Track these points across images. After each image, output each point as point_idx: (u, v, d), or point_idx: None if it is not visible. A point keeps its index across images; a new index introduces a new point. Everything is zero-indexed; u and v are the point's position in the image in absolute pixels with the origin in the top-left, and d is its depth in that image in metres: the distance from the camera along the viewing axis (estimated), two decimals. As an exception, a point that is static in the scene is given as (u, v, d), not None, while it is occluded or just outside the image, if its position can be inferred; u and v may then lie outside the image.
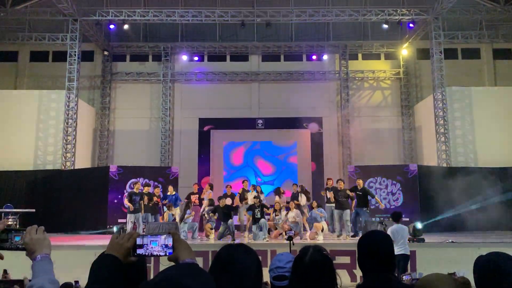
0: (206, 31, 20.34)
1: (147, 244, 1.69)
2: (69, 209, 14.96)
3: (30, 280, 1.77)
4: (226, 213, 11.86)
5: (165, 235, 1.70)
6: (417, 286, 1.72)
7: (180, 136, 20.05)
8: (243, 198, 12.97)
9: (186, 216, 12.10)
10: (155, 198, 12.59)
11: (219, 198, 12.29)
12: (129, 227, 11.96)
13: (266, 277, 2.45)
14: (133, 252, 1.69)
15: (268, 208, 12.23)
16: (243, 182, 13.72)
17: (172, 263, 1.59)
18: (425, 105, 18.90)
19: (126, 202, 12.14)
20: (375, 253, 2.12)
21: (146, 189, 12.44)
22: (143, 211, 12.06)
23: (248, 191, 13.24)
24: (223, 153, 19.15)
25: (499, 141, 16.87)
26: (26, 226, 1.85)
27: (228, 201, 12.59)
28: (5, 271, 5.90)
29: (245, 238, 11.99)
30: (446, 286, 1.65)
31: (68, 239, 11.80)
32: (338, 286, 1.98)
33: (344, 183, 12.65)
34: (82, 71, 18.30)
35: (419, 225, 10.63)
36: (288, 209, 12.24)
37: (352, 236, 11.62)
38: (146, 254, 1.70)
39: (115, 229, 12.26)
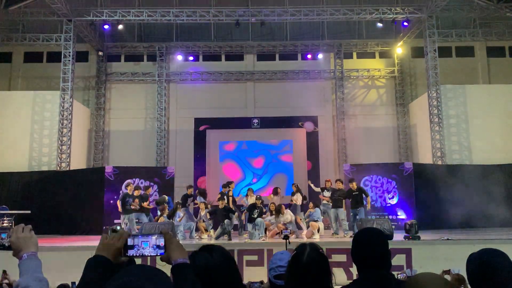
0: (200, 31, 20.32)
1: (138, 245, 1.67)
2: (65, 210, 14.90)
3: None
4: (224, 214, 11.89)
5: (156, 235, 1.68)
6: (408, 285, 1.74)
7: (175, 136, 20.02)
8: (234, 201, 12.98)
9: (178, 219, 12.13)
10: (145, 204, 12.59)
11: (218, 199, 12.36)
12: (124, 227, 11.98)
13: (263, 276, 2.46)
14: (124, 253, 1.66)
15: (264, 214, 12.23)
16: (230, 184, 13.61)
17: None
18: (420, 103, 18.98)
19: (118, 203, 12.22)
20: (369, 250, 2.13)
21: (136, 193, 12.50)
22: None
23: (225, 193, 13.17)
24: (219, 149, 19.13)
25: (494, 138, 16.96)
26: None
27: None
28: (4, 272, 5.87)
29: (245, 238, 11.96)
30: (436, 286, 1.66)
31: (64, 240, 11.77)
32: (333, 284, 2.00)
33: (342, 183, 12.72)
34: (76, 71, 18.22)
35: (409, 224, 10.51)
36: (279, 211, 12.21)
37: (351, 236, 11.66)
38: (137, 254, 1.67)
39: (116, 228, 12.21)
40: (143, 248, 1.67)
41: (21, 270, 1.70)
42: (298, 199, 13.09)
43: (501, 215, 14.49)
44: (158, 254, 1.67)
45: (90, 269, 1.61)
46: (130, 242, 1.67)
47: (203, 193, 13.59)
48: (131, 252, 1.67)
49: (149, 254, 1.67)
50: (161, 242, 1.67)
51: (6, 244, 1.80)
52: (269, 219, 12.12)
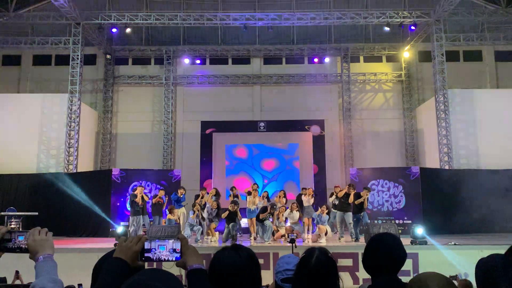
0: (208, 35, 20.40)
1: (155, 248, 1.68)
2: (72, 212, 14.97)
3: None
4: (232, 217, 11.88)
5: (173, 240, 1.69)
6: (410, 284, 1.74)
7: (182, 139, 20.08)
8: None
9: (191, 216, 12.14)
10: (154, 200, 12.68)
11: (232, 202, 12.29)
12: (131, 229, 12.03)
13: (268, 279, 2.46)
14: (141, 256, 1.67)
15: (272, 215, 12.23)
16: (253, 185, 13.67)
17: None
18: (427, 107, 18.89)
19: (138, 200, 12.21)
20: (388, 256, 2.10)
21: (140, 191, 12.49)
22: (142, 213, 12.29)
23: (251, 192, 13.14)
24: (225, 151, 19.06)
25: (502, 143, 16.82)
26: (29, 229, 1.88)
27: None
28: (17, 272, 5.97)
29: (252, 241, 11.94)
30: (437, 284, 1.66)
31: (70, 242, 11.82)
32: None
33: (340, 188, 12.75)
34: (84, 74, 18.37)
35: (418, 231, 10.52)
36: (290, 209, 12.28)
37: (354, 241, 11.63)
38: (154, 258, 1.68)
39: (121, 229, 12.19)
40: (159, 252, 1.68)
41: (37, 271, 1.73)
42: (309, 200, 13.06)
43: (509, 221, 14.36)
44: (174, 258, 1.67)
45: (108, 271, 1.62)
46: (147, 245, 1.68)
47: (218, 193, 13.56)
48: (147, 256, 1.68)
49: (165, 258, 1.67)
50: (178, 246, 1.68)
51: (24, 247, 1.83)
52: (278, 222, 12.09)
